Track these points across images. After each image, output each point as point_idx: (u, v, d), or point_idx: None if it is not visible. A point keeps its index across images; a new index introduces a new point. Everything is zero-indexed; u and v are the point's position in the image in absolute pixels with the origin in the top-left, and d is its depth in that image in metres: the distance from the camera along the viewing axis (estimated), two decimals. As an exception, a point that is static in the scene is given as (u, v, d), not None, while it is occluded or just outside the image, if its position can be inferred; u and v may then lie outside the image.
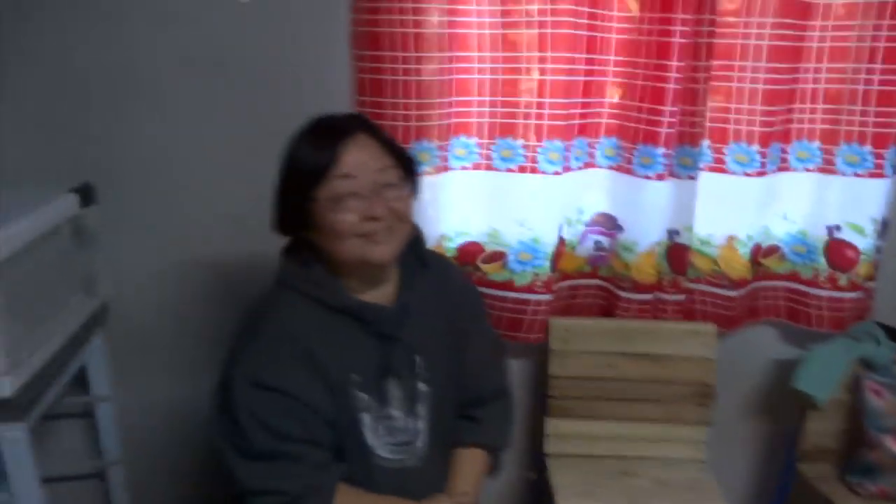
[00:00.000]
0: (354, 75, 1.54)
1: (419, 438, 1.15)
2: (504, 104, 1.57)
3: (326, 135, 1.05)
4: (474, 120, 1.60)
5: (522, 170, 1.59)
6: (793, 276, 1.76)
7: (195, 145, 1.59)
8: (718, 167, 1.66)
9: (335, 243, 1.05)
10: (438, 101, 1.53)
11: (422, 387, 1.15)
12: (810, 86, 1.63)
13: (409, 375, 1.13)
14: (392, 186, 1.06)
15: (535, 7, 1.49)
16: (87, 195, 1.48)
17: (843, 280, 1.71)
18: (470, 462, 1.23)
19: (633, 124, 1.59)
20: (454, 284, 1.25)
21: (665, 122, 1.55)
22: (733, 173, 1.65)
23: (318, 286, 1.07)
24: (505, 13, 1.52)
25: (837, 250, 1.70)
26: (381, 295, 1.13)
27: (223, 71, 1.54)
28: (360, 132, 1.06)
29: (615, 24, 1.57)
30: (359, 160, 1.03)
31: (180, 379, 1.74)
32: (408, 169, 1.11)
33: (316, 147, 1.04)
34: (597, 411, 1.73)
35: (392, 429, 1.11)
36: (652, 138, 1.57)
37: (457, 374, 1.21)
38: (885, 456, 1.59)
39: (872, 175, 1.63)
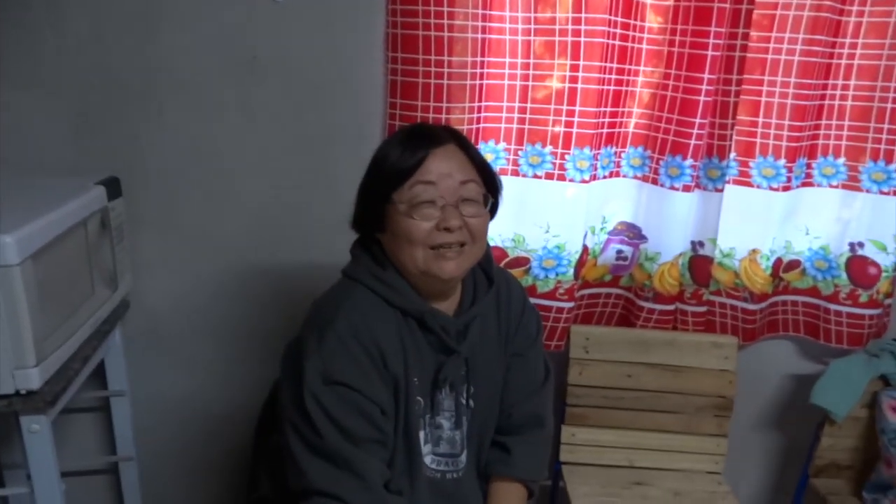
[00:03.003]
0: (387, 77, 1.53)
1: (462, 453, 1.14)
2: (533, 111, 1.57)
3: (417, 139, 1.05)
4: (503, 125, 1.60)
5: (550, 177, 1.59)
6: (813, 292, 1.77)
7: (224, 144, 1.58)
8: (744, 180, 1.66)
9: (405, 249, 1.04)
10: (468, 105, 1.53)
11: (468, 401, 1.15)
12: (837, 102, 1.64)
13: (460, 389, 1.13)
14: (472, 202, 1.05)
15: (567, 15, 1.49)
16: (113, 188, 1.47)
17: (863, 296, 1.72)
18: (509, 499, 1.19)
19: (661, 135, 1.60)
20: (515, 305, 1.22)
21: (694, 133, 1.55)
22: (759, 187, 1.65)
23: (391, 288, 1.06)
24: (537, 20, 1.52)
25: (860, 267, 1.71)
26: (445, 307, 1.12)
27: (257, 70, 1.54)
28: (452, 143, 1.06)
29: (646, 35, 1.58)
30: (443, 169, 1.02)
31: (195, 375, 1.74)
32: (491, 190, 1.10)
33: (405, 150, 1.04)
34: (614, 420, 1.72)
35: (438, 439, 1.11)
36: (680, 150, 1.57)
37: (500, 394, 1.20)
38: (903, 473, 1.59)
39: (896, 193, 1.64)
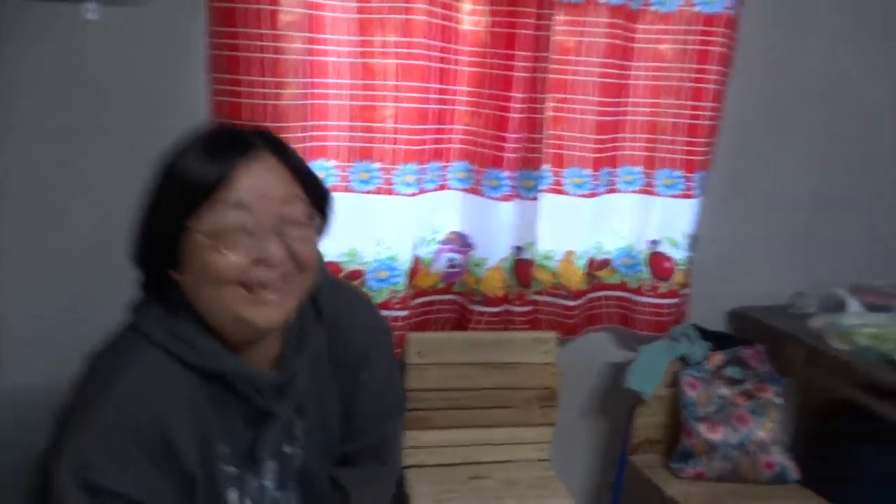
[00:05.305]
0: (212, 98, 1.53)
1: None
2: (362, 129, 1.63)
3: (221, 146, 0.79)
4: (332, 143, 1.64)
5: (379, 191, 1.66)
6: (622, 286, 1.97)
7: (52, 166, 1.52)
8: (557, 189, 1.83)
9: (208, 293, 0.79)
10: (296, 124, 1.56)
11: (296, 451, 0.95)
12: (631, 118, 1.85)
13: (285, 449, 0.93)
14: (297, 224, 0.81)
15: (391, 38, 1.57)
16: None
17: (663, 288, 1.94)
18: None
19: (480, 149, 1.72)
20: (356, 329, 0.99)
21: (509, 147, 1.68)
22: (570, 194, 1.83)
23: (185, 343, 0.82)
24: (363, 43, 1.58)
25: (658, 262, 1.93)
26: (263, 353, 0.88)
27: (81, 90, 1.49)
28: (266, 150, 0.81)
29: (464, 57, 1.69)
30: (259, 187, 0.78)
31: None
32: (318, 203, 0.86)
33: (204, 160, 0.77)
34: (453, 420, 1.82)
35: (260, 502, 0.91)
36: (497, 162, 1.70)
37: (339, 429, 1.00)
38: (700, 441, 1.81)
39: (684, 196, 1.88)
